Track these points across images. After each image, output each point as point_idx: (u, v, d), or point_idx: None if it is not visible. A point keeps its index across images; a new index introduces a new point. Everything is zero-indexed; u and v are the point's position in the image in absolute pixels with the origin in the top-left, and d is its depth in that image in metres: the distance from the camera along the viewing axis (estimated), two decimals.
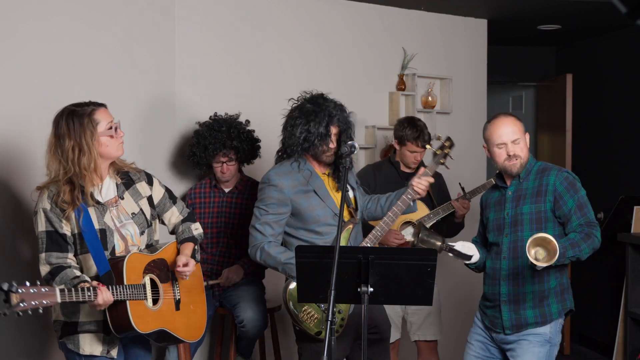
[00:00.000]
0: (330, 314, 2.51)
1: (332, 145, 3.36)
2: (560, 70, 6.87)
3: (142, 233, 2.98)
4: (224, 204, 4.14)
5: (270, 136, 4.40)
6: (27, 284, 2.51)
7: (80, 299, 2.61)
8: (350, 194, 3.47)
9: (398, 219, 3.53)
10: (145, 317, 2.82)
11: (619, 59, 6.14)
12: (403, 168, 4.22)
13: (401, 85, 5.17)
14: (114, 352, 2.87)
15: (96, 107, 2.86)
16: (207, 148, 4.05)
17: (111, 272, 2.75)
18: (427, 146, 3.92)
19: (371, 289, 2.70)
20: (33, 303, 2.48)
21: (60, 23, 3.79)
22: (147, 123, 4.16)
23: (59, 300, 2.55)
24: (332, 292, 2.53)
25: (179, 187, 4.36)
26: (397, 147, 4.20)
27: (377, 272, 2.72)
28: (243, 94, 4.56)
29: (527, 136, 3.22)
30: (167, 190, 3.16)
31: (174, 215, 3.16)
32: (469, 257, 3.27)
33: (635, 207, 5.03)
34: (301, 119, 3.34)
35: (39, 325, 3.65)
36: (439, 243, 3.21)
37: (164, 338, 2.98)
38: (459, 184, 4.20)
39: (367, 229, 3.59)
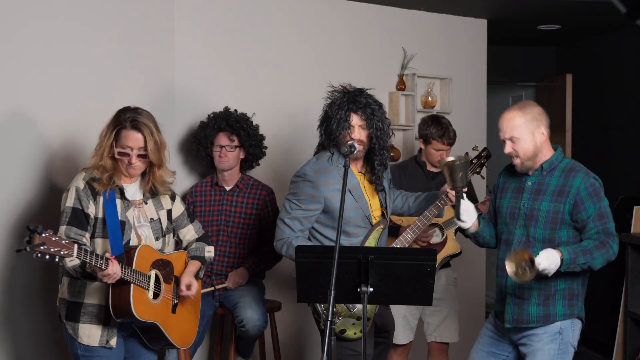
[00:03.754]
0: (330, 313, 2.51)
1: (355, 136, 3.24)
2: (560, 70, 6.87)
3: (156, 239, 3.06)
4: (225, 202, 4.13)
5: (269, 136, 4.40)
6: (51, 231, 2.57)
7: (93, 262, 2.67)
8: (382, 195, 3.40)
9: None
10: (144, 305, 2.89)
11: (619, 59, 6.14)
12: (429, 167, 4.16)
13: (401, 85, 5.17)
14: (112, 342, 2.94)
15: (130, 129, 2.91)
16: (210, 126, 4.08)
17: (123, 256, 2.85)
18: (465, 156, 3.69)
19: (371, 289, 2.70)
20: (52, 250, 2.54)
21: (59, 24, 3.79)
22: None
23: (74, 254, 2.61)
24: (332, 292, 2.53)
25: (178, 187, 4.36)
26: (422, 146, 4.17)
27: (377, 272, 2.72)
28: (243, 94, 4.55)
29: (543, 130, 3.02)
30: (187, 209, 3.28)
31: (189, 232, 3.27)
32: (459, 217, 3.16)
33: (635, 207, 5.03)
34: (329, 106, 3.32)
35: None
36: (458, 185, 3.09)
37: (155, 335, 3.02)
38: (487, 186, 4.17)
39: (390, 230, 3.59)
